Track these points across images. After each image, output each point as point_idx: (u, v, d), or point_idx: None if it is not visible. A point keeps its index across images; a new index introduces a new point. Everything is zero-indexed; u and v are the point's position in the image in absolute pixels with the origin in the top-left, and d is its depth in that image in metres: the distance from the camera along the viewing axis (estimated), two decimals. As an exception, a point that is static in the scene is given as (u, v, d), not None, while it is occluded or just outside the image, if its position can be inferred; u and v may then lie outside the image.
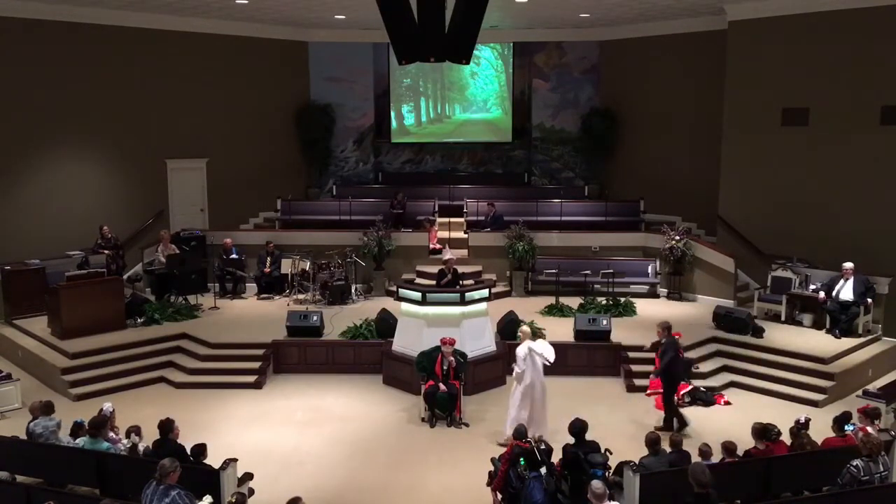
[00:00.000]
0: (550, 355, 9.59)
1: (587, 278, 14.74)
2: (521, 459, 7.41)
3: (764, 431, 7.98)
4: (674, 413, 10.15)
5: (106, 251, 14.61)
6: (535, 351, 9.57)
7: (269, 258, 15.45)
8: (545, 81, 20.09)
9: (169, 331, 13.03)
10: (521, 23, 18.40)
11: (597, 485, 6.27)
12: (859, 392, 10.57)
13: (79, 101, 15.25)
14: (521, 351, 9.60)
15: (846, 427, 8.21)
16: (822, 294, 12.78)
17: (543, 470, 7.33)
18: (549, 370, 12.04)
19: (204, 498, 6.84)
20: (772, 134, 14.73)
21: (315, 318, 12.75)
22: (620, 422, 10.37)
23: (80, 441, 8.20)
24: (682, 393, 11.07)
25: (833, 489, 7.19)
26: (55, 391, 11.45)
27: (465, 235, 16.53)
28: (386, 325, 12.49)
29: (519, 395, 9.57)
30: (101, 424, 8.18)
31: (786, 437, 8.29)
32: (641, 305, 14.34)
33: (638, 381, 11.65)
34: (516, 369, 9.63)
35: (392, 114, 20.50)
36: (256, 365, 12.13)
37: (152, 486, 6.46)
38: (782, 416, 9.07)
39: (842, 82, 13.70)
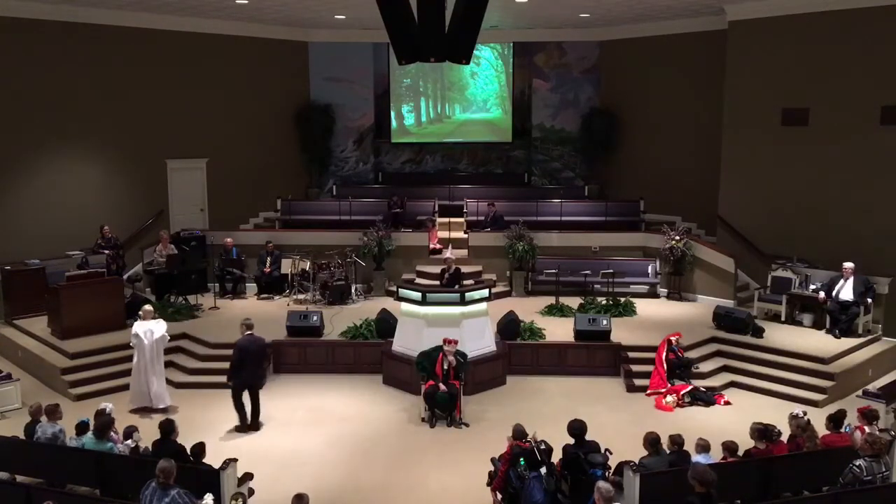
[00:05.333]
0: (159, 332, 10.72)
1: (587, 278, 14.73)
2: (521, 459, 7.41)
3: (764, 431, 7.98)
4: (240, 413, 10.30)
5: (106, 251, 14.61)
6: (145, 330, 10.63)
7: (269, 258, 15.45)
8: (545, 81, 20.09)
9: (169, 331, 12.98)
10: (521, 23, 18.39)
11: (606, 486, 6.24)
12: (859, 392, 10.56)
13: (79, 101, 15.25)
14: (134, 329, 10.75)
15: (845, 427, 8.21)
16: (822, 294, 12.77)
17: (543, 470, 7.32)
18: (550, 370, 12.14)
19: (205, 497, 6.83)
20: (772, 134, 14.73)
21: (315, 318, 12.74)
22: (620, 422, 10.36)
23: (85, 438, 8.18)
24: (682, 393, 11.10)
25: (833, 489, 7.18)
26: (55, 391, 11.46)
27: (466, 235, 16.51)
28: (386, 325, 12.49)
29: (134, 370, 10.73)
30: (108, 426, 8.17)
31: (785, 438, 8.29)
32: (641, 305, 14.33)
33: (638, 381, 11.66)
34: (130, 344, 10.84)
35: (392, 114, 20.50)
36: (256, 365, 12.11)
37: (151, 486, 6.48)
38: (782, 416, 9.05)
39: (842, 82, 13.70)
